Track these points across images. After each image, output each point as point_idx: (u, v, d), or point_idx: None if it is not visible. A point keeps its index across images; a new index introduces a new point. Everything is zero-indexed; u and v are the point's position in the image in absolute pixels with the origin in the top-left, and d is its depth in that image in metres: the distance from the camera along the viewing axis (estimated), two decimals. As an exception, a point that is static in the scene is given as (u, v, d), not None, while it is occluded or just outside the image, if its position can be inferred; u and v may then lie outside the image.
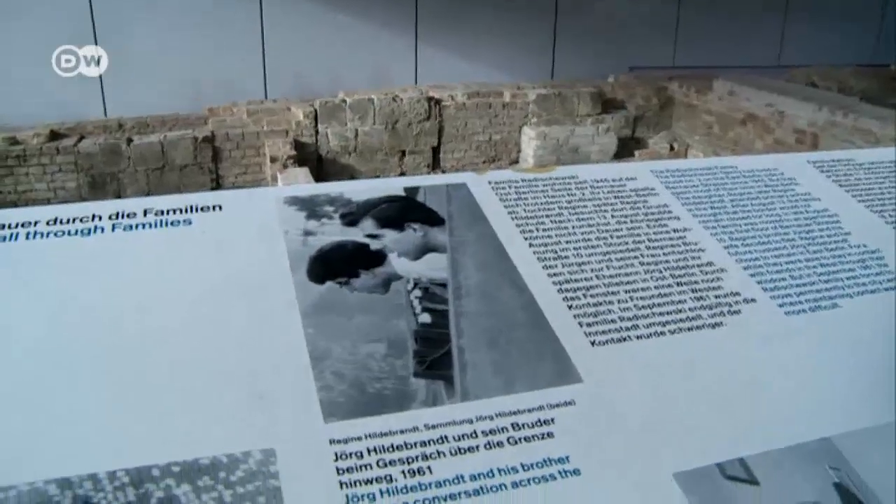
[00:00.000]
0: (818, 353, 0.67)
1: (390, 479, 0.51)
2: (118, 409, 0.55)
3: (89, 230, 0.72)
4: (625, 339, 0.65)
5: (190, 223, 0.74)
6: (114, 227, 0.73)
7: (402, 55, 7.74)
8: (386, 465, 0.52)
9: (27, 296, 0.66)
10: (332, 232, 0.73)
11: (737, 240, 0.79)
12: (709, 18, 8.20)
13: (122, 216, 0.74)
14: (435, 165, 7.30)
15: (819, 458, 0.56)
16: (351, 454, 0.52)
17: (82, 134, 6.67)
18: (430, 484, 0.51)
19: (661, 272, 0.73)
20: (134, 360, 0.59)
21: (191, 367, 0.59)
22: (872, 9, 8.59)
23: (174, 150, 6.63)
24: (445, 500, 0.50)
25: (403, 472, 0.52)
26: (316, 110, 6.90)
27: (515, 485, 0.52)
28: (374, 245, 0.72)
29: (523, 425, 0.56)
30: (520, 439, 0.55)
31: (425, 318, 0.65)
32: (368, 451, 0.53)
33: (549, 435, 0.56)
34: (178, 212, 0.75)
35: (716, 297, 0.71)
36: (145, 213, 0.75)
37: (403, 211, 0.76)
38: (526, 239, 0.75)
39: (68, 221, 0.73)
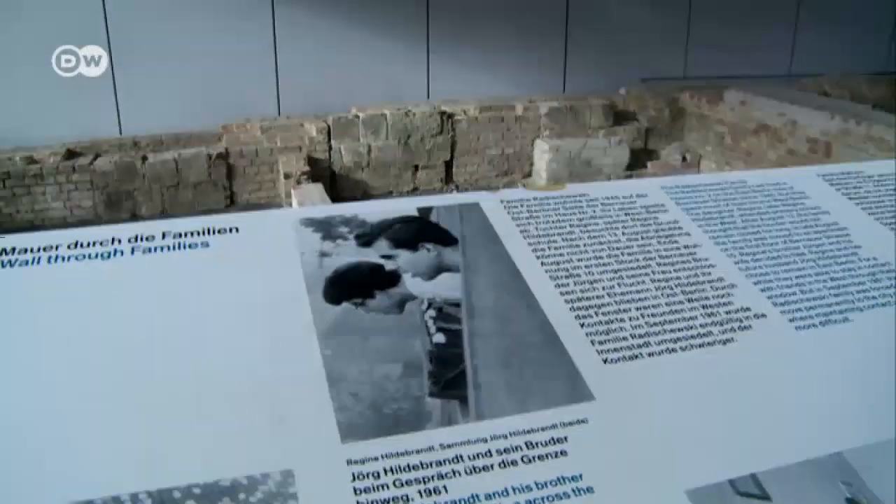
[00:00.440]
0: (829, 367, 0.67)
1: (407, 499, 0.52)
2: (139, 431, 0.57)
3: (109, 253, 0.74)
4: (636, 357, 0.66)
5: (208, 245, 0.75)
6: (133, 251, 0.74)
7: (414, 70, 7.78)
8: (402, 485, 0.53)
9: (50, 319, 0.67)
10: (348, 253, 0.74)
11: (747, 255, 0.80)
12: (719, 29, 8.20)
13: (141, 239, 0.76)
14: (448, 180, 7.32)
15: (831, 474, 0.56)
16: (368, 474, 0.53)
17: (98, 152, 6.74)
18: (445, 503, 0.52)
19: (671, 289, 0.74)
20: (154, 382, 0.60)
21: (210, 390, 0.60)
22: (885, 16, 8.55)
23: (188, 167, 6.68)
24: None
25: (420, 491, 0.52)
26: (329, 126, 6.94)
27: (530, 502, 0.53)
28: (389, 265, 0.73)
29: (537, 444, 0.57)
30: (533, 458, 0.56)
31: (440, 338, 0.66)
32: (385, 471, 0.54)
33: (563, 453, 0.56)
34: (195, 234, 0.76)
35: (726, 312, 0.72)
36: (164, 235, 0.76)
37: (417, 231, 0.78)
38: (538, 258, 0.76)
39: (89, 245, 0.75)
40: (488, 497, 0.53)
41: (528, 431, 0.58)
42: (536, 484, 0.54)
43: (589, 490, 0.54)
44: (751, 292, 0.75)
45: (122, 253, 0.74)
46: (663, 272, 0.76)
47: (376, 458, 0.55)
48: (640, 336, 0.68)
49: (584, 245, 0.78)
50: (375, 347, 0.64)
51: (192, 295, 0.70)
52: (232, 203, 6.84)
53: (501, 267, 0.74)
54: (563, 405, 0.60)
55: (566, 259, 0.76)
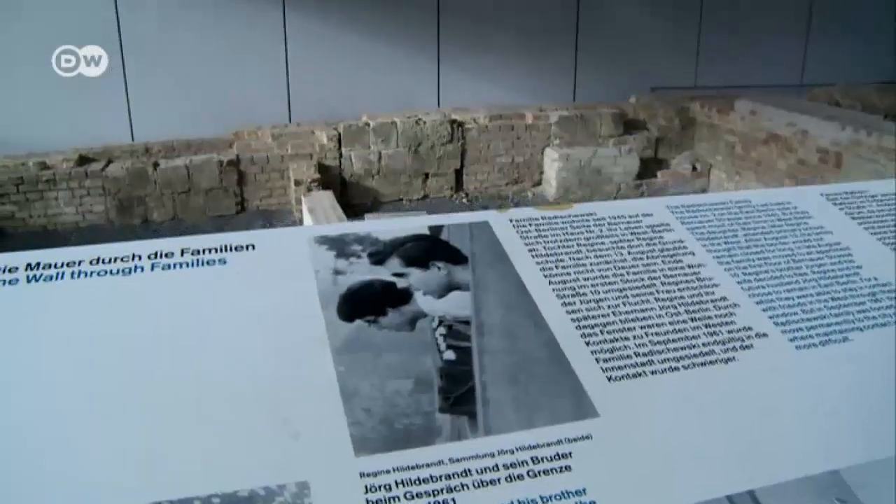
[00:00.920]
0: (828, 386, 0.69)
1: (417, 511, 0.54)
2: (160, 444, 0.59)
3: (130, 269, 0.77)
4: (640, 375, 0.68)
5: (225, 262, 0.78)
6: (153, 267, 0.77)
7: (424, 78, 7.82)
8: (413, 498, 0.55)
9: (73, 333, 0.70)
10: (361, 271, 0.77)
11: (750, 275, 0.82)
12: (730, 38, 8.21)
13: (161, 256, 0.78)
14: (458, 188, 7.35)
15: (827, 491, 0.58)
16: (380, 487, 0.56)
17: (110, 158, 6.80)
18: (454, 515, 0.54)
19: (675, 308, 0.76)
20: (175, 397, 0.63)
21: (228, 403, 0.62)
22: (896, 26, 8.54)
23: (200, 173, 6.73)
24: None
25: (429, 503, 0.55)
26: (339, 134, 6.98)
27: (535, 516, 0.55)
28: (401, 283, 0.75)
29: (542, 459, 0.59)
30: (539, 472, 0.58)
31: (450, 355, 0.68)
32: (396, 484, 0.56)
33: (567, 468, 0.59)
34: (213, 251, 0.79)
35: (728, 332, 0.74)
36: (182, 252, 0.79)
37: (428, 250, 0.80)
38: (545, 276, 0.78)
39: (110, 261, 0.77)
40: (495, 510, 0.55)
41: (534, 447, 0.60)
42: (541, 498, 0.56)
43: (592, 504, 0.56)
44: (753, 312, 0.77)
45: (142, 269, 0.77)
46: (668, 291, 0.78)
47: (388, 471, 0.57)
48: (644, 355, 0.70)
49: (591, 264, 0.80)
50: (387, 364, 0.67)
51: (210, 311, 0.72)
52: (242, 209, 6.89)
53: (510, 285, 0.76)
54: (569, 422, 0.63)
55: (573, 278, 0.78)
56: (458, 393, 0.64)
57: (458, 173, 7.43)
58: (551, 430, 0.62)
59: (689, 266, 0.82)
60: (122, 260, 0.77)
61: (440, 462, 0.58)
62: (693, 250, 0.84)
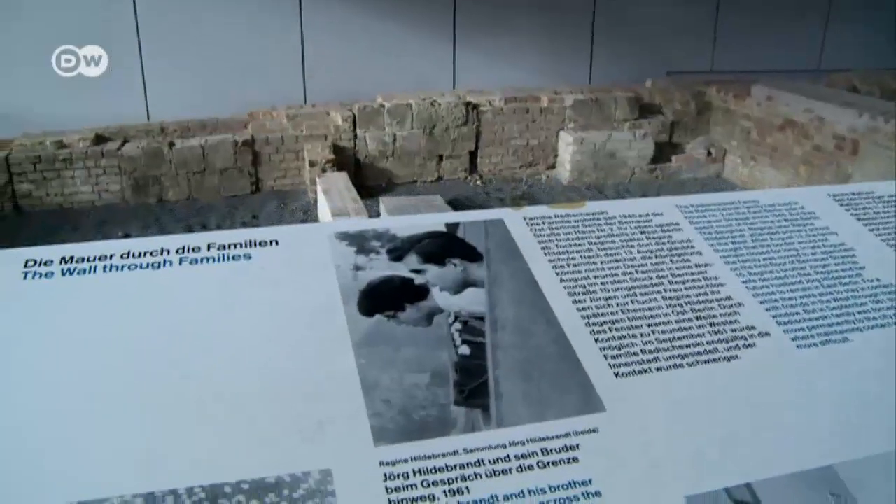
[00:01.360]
0: (825, 385, 0.72)
1: (433, 498, 0.58)
2: (192, 432, 0.63)
3: (159, 264, 0.80)
4: (646, 371, 0.71)
5: (250, 258, 0.81)
6: (181, 261, 0.81)
7: (439, 59, 7.81)
8: (429, 486, 0.58)
9: (107, 325, 0.74)
10: (380, 266, 0.80)
11: (755, 274, 0.85)
12: (748, 22, 8.15)
13: (189, 250, 0.82)
14: (472, 170, 7.36)
15: (821, 485, 0.61)
16: (398, 475, 0.59)
17: (126, 137, 6.84)
18: (467, 502, 0.58)
19: (682, 307, 0.79)
20: (204, 387, 0.67)
21: (255, 394, 0.66)
22: (917, 11, 8.45)
23: (215, 153, 6.77)
24: None
25: (445, 491, 0.58)
26: (354, 115, 7.00)
27: (544, 504, 0.58)
28: (419, 280, 0.79)
29: (551, 451, 0.63)
30: (548, 463, 0.62)
31: (465, 350, 0.71)
32: (414, 473, 0.59)
33: (575, 460, 0.62)
34: (238, 246, 0.82)
35: (732, 331, 0.77)
36: (209, 247, 0.82)
37: (445, 247, 0.83)
38: (557, 274, 0.81)
39: (140, 255, 0.81)
40: (506, 498, 0.59)
41: (544, 439, 0.64)
42: (550, 487, 0.60)
43: (597, 494, 0.60)
44: (756, 311, 0.79)
45: (170, 263, 0.80)
46: (675, 290, 0.81)
47: (406, 461, 0.60)
48: (650, 352, 0.73)
49: (601, 262, 0.83)
50: (405, 357, 0.70)
51: (236, 304, 0.76)
52: (257, 189, 6.93)
53: (523, 282, 0.80)
54: (577, 416, 0.66)
55: (583, 276, 0.81)
56: (472, 386, 0.67)
57: (473, 155, 7.44)
58: (560, 423, 0.65)
59: (697, 265, 0.85)
60: (151, 254, 0.81)
61: (455, 452, 0.61)
62: (700, 250, 0.87)
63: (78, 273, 0.78)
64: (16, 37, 6.54)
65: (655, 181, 7.37)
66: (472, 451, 0.62)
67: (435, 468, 0.60)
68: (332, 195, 5.95)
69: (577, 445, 0.63)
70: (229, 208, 6.64)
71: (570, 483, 0.60)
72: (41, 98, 6.62)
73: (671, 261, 0.85)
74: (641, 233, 0.88)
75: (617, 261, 0.83)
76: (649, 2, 8.00)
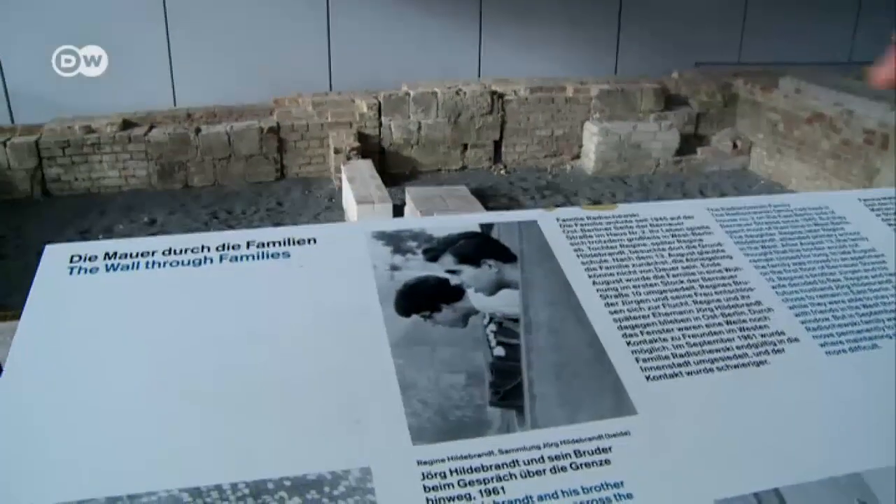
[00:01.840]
0: (854, 392, 0.73)
1: (469, 498, 0.60)
2: (235, 429, 0.65)
3: (200, 261, 0.83)
4: (676, 375, 0.73)
5: (288, 256, 0.83)
6: (221, 259, 0.83)
7: (465, 48, 7.80)
8: (466, 485, 0.60)
9: (150, 322, 0.76)
10: (416, 267, 0.82)
11: (785, 279, 0.85)
12: (777, 13, 8.05)
13: (228, 248, 0.84)
14: (496, 159, 7.36)
15: (848, 492, 0.63)
16: (436, 474, 0.61)
17: (152, 123, 6.91)
18: (502, 502, 0.60)
19: (712, 311, 0.80)
20: (246, 385, 0.69)
21: (296, 392, 0.68)
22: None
23: (240, 140, 6.82)
24: None
25: (481, 491, 0.60)
26: (380, 103, 7.02)
27: (576, 505, 0.60)
28: (454, 280, 0.80)
29: (584, 452, 0.64)
30: (581, 465, 0.63)
31: (500, 351, 0.73)
32: (451, 472, 0.61)
33: (607, 462, 0.64)
34: (277, 244, 0.85)
35: (762, 336, 0.78)
36: (248, 245, 0.84)
37: (479, 248, 0.85)
38: (590, 277, 0.83)
39: (181, 252, 0.83)
40: (540, 498, 0.61)
41: (577, 441, 0.65)
42: (583, 488, 0.62)
43: (629, 496, 0.61)
44: (786, 316, 0.80)
45: (211, 260, 0.83)
46: (705, 294, 0.82)
47: (443, 460, 0.62)
48: (681, 356, 0.75)
49: (633, 265, 0.85)
50: (442, 358, 0.72)
51: (276, 303, 0.78)
52: (282, 176, 6.98)
53: (556, 284, 0.81)
54: (609, 418, 0.68)
55: (616, 279, 0.83)
56: (507, 388, 0.69)
57: (497, 145, 7.44)
58: (593, 425, 0.67)
59: (727, 269, 0.86)
60: (192, 251, 0.83)
61: (490, 453, 0.63)
62: (731, 254, 0.88)
63: (122, 269, 0.81)
64: (48, 24, 6.60)
65: (680, 173, 7.34)
66: (507, 451, 0.64)
67: (471, 468, 0.62)
68: (356, 183, 5.97)
69: (610, 448, 0.65)
70: (254, 195, 6.69)
71: (602, 485, 0.62)
72: (71, 84, 6.68)
73: (702, 264, 0.86)
74: (672, 236, 0.90)
75: (648, 264, 0.85)
76: (677, -8, 7.94)
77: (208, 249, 0.84)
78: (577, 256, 0.86)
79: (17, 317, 0.75)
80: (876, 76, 0.85)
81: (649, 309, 0.80)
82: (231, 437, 0.64)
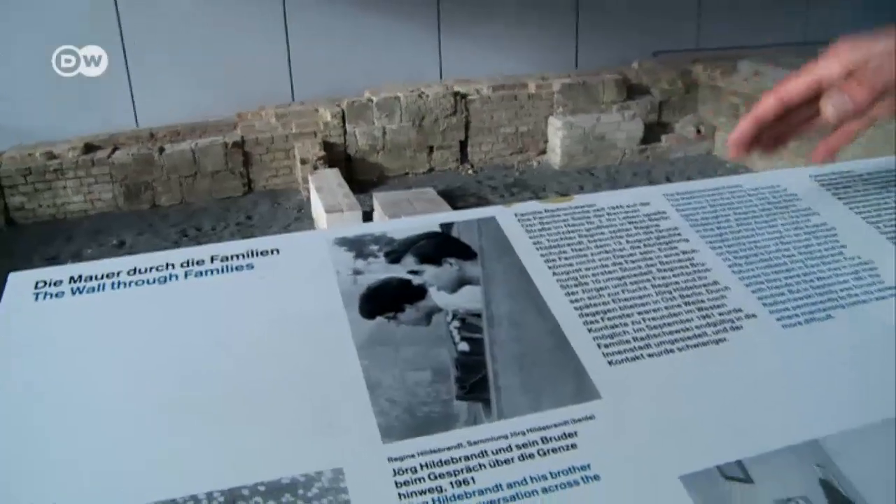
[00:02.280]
0: (810, 362, 0.75)
1: (440, 490, 0.61)
2: (207, 439, 0.66)
3: (165, 278, 0.83)
4: (638, 358, 0.74)
5: (252, 267, 0.84)
6: (186, 275, 0.83)
7: (425, 50, 7.82)
8: (436, 478, 0.62)
9: (119, 340, 0.77)
10: (378, 270, 0.83)
11: (740, 258, 0.88)
12: (731, -2, 8.16)
13: (193, 263, 0.85)
14: (463, 160, 7.39)
15: (807, 458, 0.65)
16: (406, 469, 0.62)
17: (115, 145, 6.87)
18: (473, 492, 0.61)
19: (670, 293, 0.82)
20: (216, 396, 0.70)
21: (267, 399, 0.69)
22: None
23: (205, 156, 6.79)
24: None
25: (451, 482, 0.61)
26: (343, 110, 7.03)
27: (545, 490, 0.62)
28: (416, 280, 0.82)
29: (550, 438, 0.66)
30: (548, 451, 0.65)
31: (464, 346, 0.74)
32: (421, 467, 0.63)
33: (573, 446, 0.65)
34: (240, 257, 0.85)
35: (720, 314, 0.80)
36: (212, 259, 0.85)
37: (440, 246, 0.86)
38: (550, 268, 0.84)
39: (146, 271, 0.84)
40: (510, 486, 0.62)
41: (543, 428, 0.67)
42: (550, 473, 0.63)
43: (596, 478, 0.63)
44: (743, 294, 0.83)
45: (176, 277, 0.83)
46: (663, 277, 0.84)
47: (413, 456, 0.64)
48: (642, 339, 0.76)
49: (592, 254, 0.86)
50: (407, 357, 0.73)
51: (242, 314, 0.79)
52: (250, 190, 6.96)
53: (517, 278, 0.83)
54: (573, 404, 0.69)
55: (575, 268, 0.84)
56: (472, 381, 0.70)
57: (463, 145, 7.47)
58: (557, 412, 0.68)
59: (684, 252, 0.88)
60: (157, 269, 0.84)
61: (459, 445, 0.65)
62: (687, 237, 0.90)
63: (87, 291, 0.81)
64: (15, 31, 6.51)
65: (646, 161, 7.41)
66: (475, 443, 0.65)
67: (441, 461, 0.63)
68: (324, 192, 5.97)
69: (575, 432, 0.66)
70: (222, 210, 6.67)
71: (569, 469, 0.63)
72: (29, 108, 6.61)
73: (659, 249, 0.88)
74: (629, 223, 0.91)
75: (607, 252, 0.87)
76: (632, -17, 8.02)
77: (173, 266, 0.85)
78: (537, 249, 0.87)
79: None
80: (731, 147, 0.90)
81: (609, 295, 0.82)
82: (204, 447, 0.65)
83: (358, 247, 0.86)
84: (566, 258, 0.86)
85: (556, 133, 7.29)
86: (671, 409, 0.70)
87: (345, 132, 7.04)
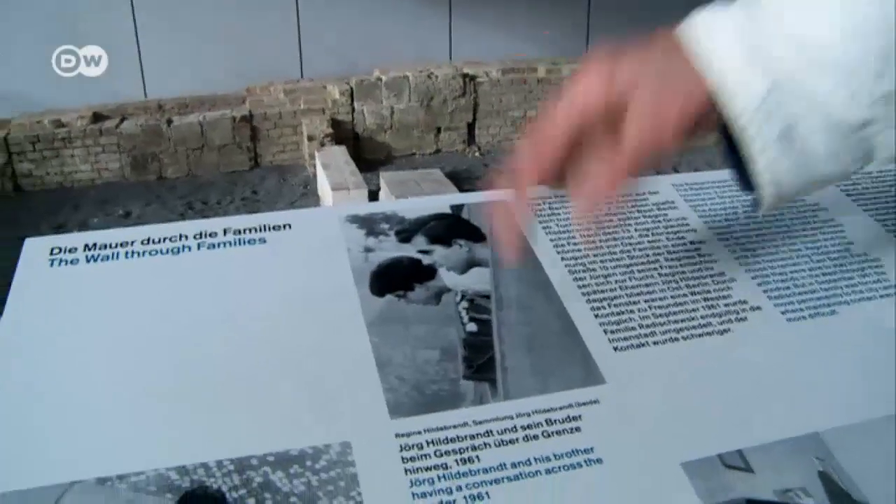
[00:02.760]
0: (812, 356, 0.76)
1: (446, 467, 0.62)
2: (218, 408, 0.67)
3: (178, 249, 0.84)
4: (643, 345, 0.75)
5: (265, 241, 0.85)
6: (199, 246, 0.84)
7: (436, 31, 7.78)
8: (442, 455, 0.63)
9: (133, 309, 0.78)
10: (389, 248, 0.84)
11: (747, 250, 0.88)
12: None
13: (206, 235, 0.86)
14: (470, 142, 7.38)
15: (807, 450, 0.66)
16: (413, 446, 0.63)
17: (123, 115, 6.86)
18: (478, 470, 0.62)
19: (677, 283, 0.83)
20: (228, 367, 0.71)
21: (277, 372, 0.70)
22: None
23: (213, 130, 6.78)
24: (491, 483, 0.61)
25: (456, 460, 0.63)
26: (352, 88, 7.01)
27: (549, 471, 0.63)
28: (426, 260, 0.82)
29: (555, 421, 0.67)
30: (552, 433, 0.66)
31: (472, 327, 0.75)
32: (427, 443, 0.64)
33: (577, 429, 0.66)
34: (253, 230, 0.86)
35: (725, 305, 0.81)
36: (225, 232, 0.86)
37: (450, 228, 0.87)
38: (558, 253, 0.85)
39: (159, 241, 0.85)
40: (514, 465, 0.63)
41: (548, 410, 0.68)
42: (554, 455, 0.64)
43: (599, 461, 0.64)
44: (748, 286, 0.83)
45: (189, 248, 0.84)
46: (670, 267, 0.85)
47: (420, 432, 0.65)
48: (648, 326, 0.77)
49: (600, 241, 0.87)
50: (416, 335, 0.74)
51: (254, 287, 0.80)
52: (256, 165, 6.96)
53: (525, 261, 0.83)
54: (578, 387, 0.70)
55: (583, 254, 0.85)
56: (480, 361, 0.71)
57: (471, 127, 7.45)
58: (563, 395, 0.69)
59: (691, 242, 0.89)
60: (170, 240, 0.85)
61: (465, 424, 0.66)
62: (695, 227, 0.91)
63: (101, 259, 0.82)
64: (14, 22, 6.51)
65: (653, 151, 7.40)
66: (481, 422, 0.66)
67: (447, 439, 0.64)
68: (331, 169, 5.97)
69: (580, 416, 0.67)
70: (229, 184, 6.67)
71: (573, 451, 0.64)
72: (38, 77, 6.60)
73: (667, 238, 0.89)
74: (638, 211, 0.92)
75: (615, 239, 0.87)
76: (646, -30, 7.96)
77: (186, 238, 0.86)
78: (546, 233, 0.88)
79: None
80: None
81: (616, 282, 0.82)
82: (215, 417, 0.66)
83: (369, 225, 0.87)
84: (574, 243, 0.87)
85: (565, 119, 7.28)
86: (674, 396, 0.71)
87: (353, 110, 7.03)
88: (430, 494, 0.60)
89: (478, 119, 7.32)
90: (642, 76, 0.60)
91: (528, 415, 0.67)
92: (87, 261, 0.82)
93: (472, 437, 0.65)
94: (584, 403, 0.69)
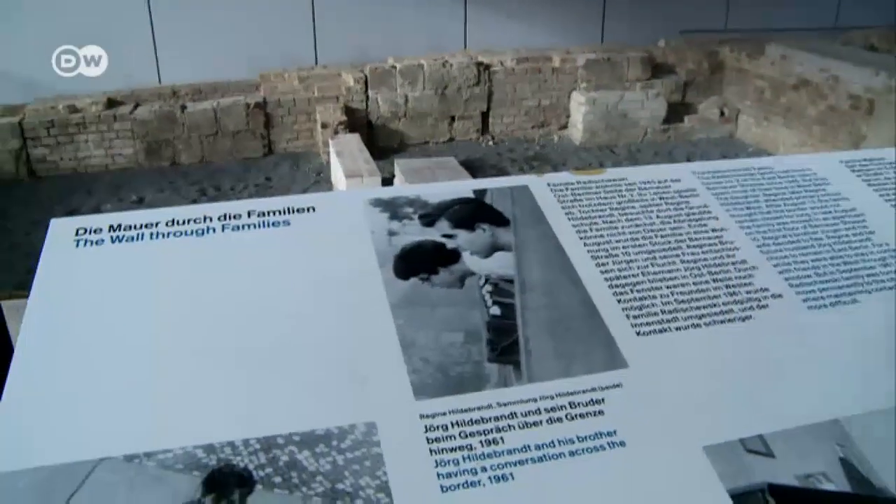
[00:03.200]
0: (834, 344, 0.77)
1: (470, 448, 0.63)
2: (246, 389, 0.68)
3: (203, 230, 0.85)
4: (665, 331, 0.76)
5: (288, 224, 0.86)
6: (223, 228, 0.85)
7: (451, 20, 7.75)
8: (467, 436, 0.64)
9: (158, 290, 0.78)
10: (413, 232, 0.85)
11: (769, 239, 0.88)
12: (763, -21, 8.02)
13: (230, 217, 0.86)
14: (484, 130, 7.36)
15: (828, 436, 0.66)
16: (438, 427, 0.64)
17: (138, 101, 6.86)
18: (502, 452, 0.63)
19: (699, 269, 0.83)
20: (255, 348, 0.72)
21: (303, 353, 0.71)
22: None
23: (227, 116, 6.78)
24: (514, 465, 0.62)
25: (481, 441, 0.63)
26: (366, 76, 6.99)
27: (572, 454, 0.63)
28: (450, 244, 0.83)
29: (578, 404, 0.67)
30: (575, 416, 0.66)
31: (496, 310, 0.76)
32: (452, 424, 0.64)
33: (600, 413, 0.67)
34: (277, 213, 0.87)
35: (747, 292, 0.81)
36: (249, 214, 0.87)
37: (474, 212, 0.88)
38: (581, 238, 0.86)
39: (184, 222, 0.86)
40: (537, 447, 0.64)
41: (571, 393, 0.68)
42: (577, 437, 0.65)
43: (621, 444, 0.65)
44: (770, 274, 0.84)
45: (213, 230, 0.85)
46: (692, 254, 0.85)
47: (444, 414, 0.65)
48: (670, 312, 0.78)
49: (622, 227, 0.87)
50: (441, 318, 0.75)
51: (278, 269, 0.81)
52: (270, 152, 6.96)
53: (549, 246, 0.84)
54: (601, 371, 0.71)
55: (606, 240, 0.86)
56: (503, 344, 0.72)
57: (485, 116, 7.43)
58: (586, 378, 0.70)
59: (713, 230, 0.89)
60: (194, 221, 0.86)
61: (489, 406, 0.66)
62: (717, 215, 0.91)
63: (126, 240, 0.83)
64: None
65: (668, 141, 7.36)
66: (505, 404, 0.67)
67: (471, 420, 0.65)
68: (344, 157, 5.97)
69: (603, 399, 0.68)
70: (242, 171, 6.68)
71: (596, 434, 0.65)
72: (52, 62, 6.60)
73: (689, 225, 0.89)
74: (660, 199, 0.92)
75: (637, 225, 0.88)
76: (663, -41, 7.90)
77: (210, 219, 0.86)
78: (568, 219, 0.88)
79: (19, 296, 0.77)
80: None
81: (639, 268, 0.83)
82: (242, 396, 0.67)
83: (392, 208, 0.88)
84: (597, 229, 0.87)
85: (579, 108, 7.24)
86: (697, 381, 0.71)
87: (367, 98, 7.02)
88: (456, 475, 0.61)
89: (492, 108, 7.29)
90: None
91: (552, 397, 0.68)
92: (113, 241, 0.83)
93: (497, 418, 0.66)
94: (607, 387, 0.70)
